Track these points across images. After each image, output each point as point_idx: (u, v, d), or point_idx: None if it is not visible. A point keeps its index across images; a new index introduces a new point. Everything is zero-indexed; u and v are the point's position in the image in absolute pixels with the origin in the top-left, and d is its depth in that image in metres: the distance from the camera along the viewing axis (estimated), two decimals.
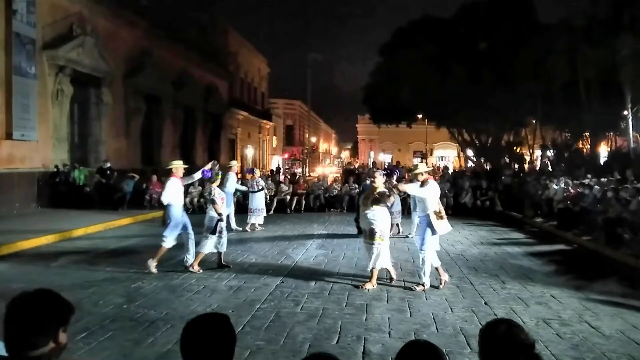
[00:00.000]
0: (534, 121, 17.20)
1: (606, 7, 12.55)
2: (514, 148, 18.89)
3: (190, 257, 5.31)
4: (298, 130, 45.23)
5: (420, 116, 21.53)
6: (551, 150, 16.42)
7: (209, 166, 5.79)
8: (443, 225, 4.66)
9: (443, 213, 4.71)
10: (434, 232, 4.61)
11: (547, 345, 3.26)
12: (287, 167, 30.12)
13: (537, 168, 16.34)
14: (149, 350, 3.09)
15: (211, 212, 5.35)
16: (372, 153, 41.57)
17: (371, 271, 4.66)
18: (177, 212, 5.32)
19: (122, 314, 3.78)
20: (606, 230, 6.69)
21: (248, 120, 28.23)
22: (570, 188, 9.22)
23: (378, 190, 4.65)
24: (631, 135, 12.52)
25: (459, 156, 28.04)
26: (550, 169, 14.59)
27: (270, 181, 11.81)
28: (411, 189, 4.72)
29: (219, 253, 5.41)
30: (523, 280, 5.09)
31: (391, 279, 4.77)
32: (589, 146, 14.97)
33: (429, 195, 4.60)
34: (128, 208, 10.98)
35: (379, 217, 4.60)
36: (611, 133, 14.88)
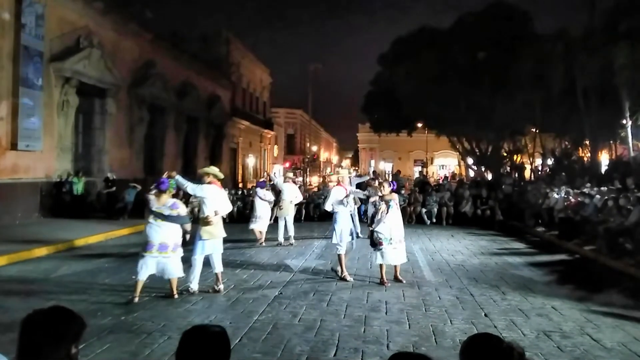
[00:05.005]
0: (533, 129, 17.26)
1: (603, 16, 12.69)
2: (514, 156, 18.91)
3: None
4: (299, 139, 45.40)
5: (420, 125, 21.63)
6: (551, 159, 16.41)
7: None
8: (216, 230, 4.77)
9: (211, 219, 4.72)
10: (201, 238, 4.73)
11: (548, 358, 3.23)
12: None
13: (536, 176, 16.30)
14: None
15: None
16: (372, 162, 41.63)
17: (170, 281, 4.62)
18: (342, 219, 5.63)
19: (119, 326, 3.78)
20: (607, 240, 6.64)
21: (249, 130, 28.40)
22: (570, 197, 9.19)
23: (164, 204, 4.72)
24: (631, 144, 12.52)
25: (459, 165, 28.06)
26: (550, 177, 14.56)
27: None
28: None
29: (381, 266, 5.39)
30: (524, 291, 5.06)
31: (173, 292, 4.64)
32: (589, 154, 14.97)
33: (207, 197, 4.72)
34: (129, 218, 11.01)
35: (169, 230, 4.68)
36: (611, 141, 14.89)
